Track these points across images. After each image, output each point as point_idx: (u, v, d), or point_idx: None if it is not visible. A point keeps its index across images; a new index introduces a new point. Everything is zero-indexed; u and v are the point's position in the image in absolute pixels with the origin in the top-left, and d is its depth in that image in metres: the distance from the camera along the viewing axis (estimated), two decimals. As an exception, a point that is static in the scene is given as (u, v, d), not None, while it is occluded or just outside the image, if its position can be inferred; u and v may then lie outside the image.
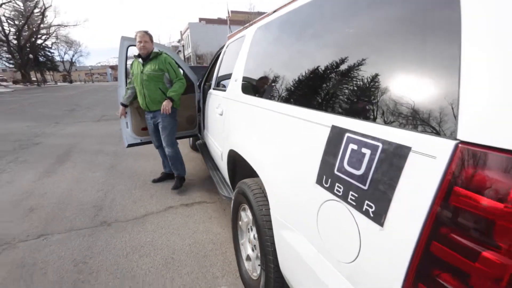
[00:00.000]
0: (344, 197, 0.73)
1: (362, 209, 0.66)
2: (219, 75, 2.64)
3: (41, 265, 1.83)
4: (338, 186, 0.75)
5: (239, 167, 1.91)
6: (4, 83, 34.31)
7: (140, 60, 2.67)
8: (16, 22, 34.05)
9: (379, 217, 0.61)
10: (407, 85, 0.63)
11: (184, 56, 32.78)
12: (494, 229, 0.44)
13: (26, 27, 34.01)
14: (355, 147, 0.71)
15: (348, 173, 0.72)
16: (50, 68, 43.47)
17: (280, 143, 1.10)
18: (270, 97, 1.30)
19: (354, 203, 0.69)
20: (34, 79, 39.62)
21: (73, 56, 52.78)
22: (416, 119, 0.59)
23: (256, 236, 1.47)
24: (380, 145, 0.63)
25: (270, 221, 1.23)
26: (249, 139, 1.45)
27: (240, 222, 1.76)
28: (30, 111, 10.04)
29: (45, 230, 2.24)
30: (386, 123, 0.66)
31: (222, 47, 2.87)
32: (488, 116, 0.46)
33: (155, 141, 3.04)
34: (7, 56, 34.14)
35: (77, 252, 1.97)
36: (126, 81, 2.92)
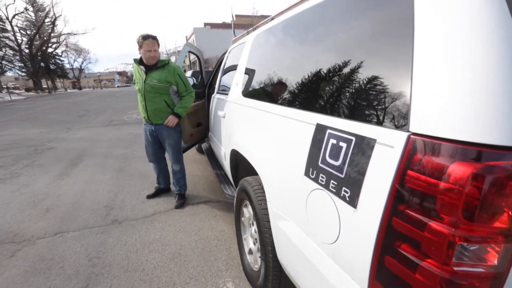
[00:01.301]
0: (326, 186, 0.83)
1: (340, 195, 0.76)
2: (222, 79, 2.77)
3: (58, 260, 1.97)
4: (321, 176, 0.85)
5: (241, 166, 2.02)
6: (17, 91, 35.45)
7: (142, 67, 2.40)
8: (28, 32, 35.24)
9: (353, 201, 0.71)
10: (373, 84, 0.73)
11: (189, 60, 33.24)
12: (436, 203, 0.53)
13: (37, 36, 35.15)
14: (334, 141, 0.81)
15: (329, 164, 0.82)
16: (60, 75, 44.74)
17: (274, 141, 1.21)
18: (266, 99, 1.41)
19: (334, 190, 0.79)
20: (45, 86, 40.84)
21: (82, 63, 54.29)
22: (380, 115, 0.69)
23: (256, 229, 1.57)
24: (353, 138, 0.73)
25: (268, 214, 1.33)
26: (249, 139, 1.56)
27: (242, 218, 1.87)
28: (43, 117, 10.41)
29: (61, 228, 2.39)
30: (358, 119, 0.76)
31: (225, 53, 2.99)
32: (432, 112, 0.55)
33: (151, 155, 2.75)
34: (19, 64, 35.33)
35: (91, 248, 2.10)
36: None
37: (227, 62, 2.73)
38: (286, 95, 1.21)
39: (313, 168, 0.89)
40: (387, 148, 0.63)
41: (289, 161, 1.06)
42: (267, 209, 1.34)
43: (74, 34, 42.96)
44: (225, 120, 2.12)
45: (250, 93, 1.70)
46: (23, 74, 37.91)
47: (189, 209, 2.70)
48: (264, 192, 1.44)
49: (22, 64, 35.02)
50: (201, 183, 3.37)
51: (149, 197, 2.90)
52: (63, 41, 41.99)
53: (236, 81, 2.00)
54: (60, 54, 43.87)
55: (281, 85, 1.27)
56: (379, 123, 0.69)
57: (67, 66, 48.04)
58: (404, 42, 0.64)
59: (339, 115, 0.84)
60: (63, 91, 46.66)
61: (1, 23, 31.13)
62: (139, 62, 2.44)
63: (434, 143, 0.54)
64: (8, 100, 21.98)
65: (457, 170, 0.51)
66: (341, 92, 0.86)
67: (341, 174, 0.76)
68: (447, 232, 0.52)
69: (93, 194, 3.08)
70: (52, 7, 36.18)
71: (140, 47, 2.32)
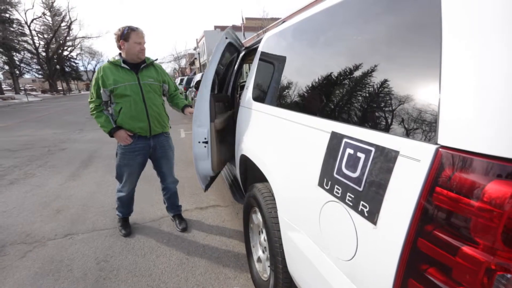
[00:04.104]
0: (342, 198, 0.78)
1: (358, 209, 0.71)
2: (232, 83, 2.74)
3: (67, 262, 1.97)
4: (337, 188, 0.80)
5: (250, 171, 1.98)
6: (34, 93, 36.66)
7: (125, 66, 1.96)
8: (45, 36, 36.47)
9: (372, 216, 0.66)
10: (396, 93, 0.68)
11: (200, 63, 33.58)
12: (471, 225, 0.48)
13: (54, 40, 36.33)
14: (351, 151, 0.76)
15: (346, 176, 0.77)
16: (75, 77, 45.98)
17: (285, 148, 1.16)
18: (277, 104, 1.37)
19: (351, 204, 0.74)
20: (60, 88, 42.10)
21: (95, 65, 55.69)
22: (404, 125, 0.63)
23: (266, 238, 1.53)
24: (373, 149, 0.68)
25: (279, 223, 1.28)
26: (259, 144, 1.52)
27: (251, 225, 1.83)
28: (57, 118, 10.69)
29: (70, 230, 2.41)
30: (378, 129, 0.71)
31: (235, 57, 2.86)
32: (465, 123, 0.50)
33: (135, 181, 2.24)
34: (36, 67, 36.55)
35: (99, 251, 2.10)
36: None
37: (238, 66, 2.70)
38: (298, 100, 1.17)
39: (327, 178, 0.84)
40: (412, 161, 0.58)
41: (301, 169, 1.01)
42: (277, 217, 1.30)
43: (89, 38, 43.96)
44: (237, 125, 2.09)
45: (260, 97, 1.66)
46: (40, 76, 39.21)
47: (197, 213, 2.68)
48: (274, 200, 1.40)
49: (39, 67, 36.24)
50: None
51: (127, 235, 2.29)
52: (78, 44, 43.23)
53: (246, 84, 1.97)
54: (75, 57, 45.17)
55: (293, 90, 1.23)
56: (402, 133, 0.63)
57: (81, 68, 49.37)
58: (431, 42, 0.59)
59: (356, 123, 0.79)
60: (77, 93, 47.99)
61: (20, 28, 32.33)
62: (124, 62, 1.97)
63: (466, 158, 0.49)
64: (25, 102, 22.73)
65: (496, 189, 0.45)
66: (358, 99, 0.81)
67: (359, 187, 0.71)
68: (483, 259, 0.46)
69: (102, 196, 3.10)
70: (68, 11, 37.57)
71: (125, 40, 1.90)
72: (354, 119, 0.80)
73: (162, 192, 2.44)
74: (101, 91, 1.95)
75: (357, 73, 0.82)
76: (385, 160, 0.64)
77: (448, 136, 0.53)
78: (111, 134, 2.01)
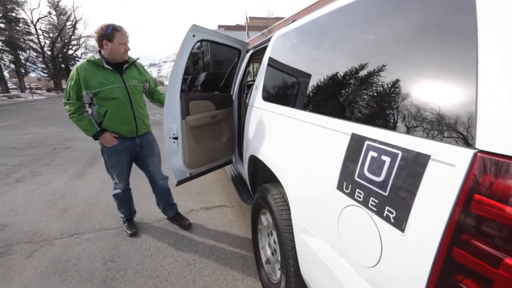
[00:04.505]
0: (364, 203, 0.75)
1: (383, 214, 0.68)
2: (238, 82, 2.71)
3: (74, 262, 1.96)
4: (358, 192, 0.77)
5: (260, 172, 1.96)
6: (39, 91, 36.93)
7: (108, 67, 1.87)
8: (51, 35, 36.72)
9: (400, 223, 0.63)
10: (426, 93, 0.64)
11: (203, 62, 33.57)
12: (515, 236, 0.45)
13: (59, 39, 36.56)
14: (375, 154, 0.73)
15: (369, 180, 0.74)
16: (79, 76, 46.10)
17: (300, 150, 1.13)
18: (290, 104, 1.34)
19: (374, 209, 0.71)
20: (65, 87, 42.30)
21: (100, 65, 55.79)
22: (436, 128, 0.60)
23: (276, 240, 1.50)
24: (400, 153, 0.65)
25: (291, 225, 1.25)
26: (270, 145, 1.49)
27: (260, 226, 1.80)
28: (62, 117, 10.73)
29: (77, 229, 2.40)
30: (405, 131, 0.67)
31: (240, 55, 2.79)
32: (507, 125, 0.47)
33: (126, 179, 2.24)
34: (42, 66, 36.81)
35: (106, 251, 2.09)
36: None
37: (245, 65, 2.67)
38: (314, 101, 1.14)
39: (347, 182, 0.81)
40: (446, 166, 0.55)
41: (318, 172, 0.98)
42: (290, 220, 1.27)
43: (93, 37, 44.17)
44: (245, 125, 2.06)
45: (272, 97, 1.63)
46: (45, 75, 39.49)
47: (203, 213, 2.66)
48: (286, 201, 1.37)
49: (44, 66, 36.49)
50: (216, 186, 3.33)
51: (133, 235, 2.28)
52: (83, 43, 43.39)
53: (256, 84, 1.95)
54: (80, 56, 45.32)
55: (309, 90, 1.20)
56: (433, 136, 0.60)
57: (86, 67, 49.53)
58: (466, 39, 0.56)
59: (380, 126, 0.76)
60: (81, 91, 48.18)
61: (26, 27, 32.58)
62: (105, 62, 1.88)
63: (509, 164, 0.46)
64: (31, 100, 22.91)
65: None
66: (382, 100, 0.77)
67: (383, 192, 0.68)
68: (530, 272, 0.43)
69: (108, 195, 3.09)
70: (74, 11, 37.75)
71: (109, 40, 1.81)
72: (377, 121, 0.77)
73: (154, 193, 2.42)
74: (83, 93, 1.85)
75: (381, 73, 0.79)
76: (414, 164, 0.61)
77: (487, 140, 0.50)
78: (96, 137, 1.95)
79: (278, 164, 1.34)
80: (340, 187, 0.85)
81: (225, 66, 2.94)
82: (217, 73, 4.40)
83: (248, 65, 2.71)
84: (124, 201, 2.34)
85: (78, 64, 1.87)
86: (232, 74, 2.79)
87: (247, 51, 2.71)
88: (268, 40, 2.10)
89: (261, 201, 1.63)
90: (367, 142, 0.76)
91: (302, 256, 1.12)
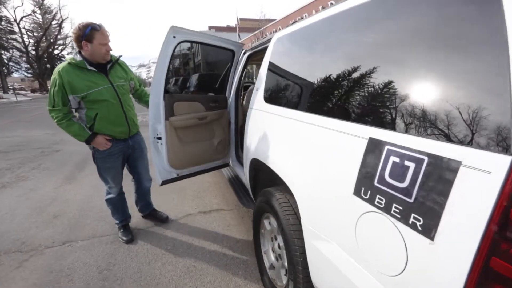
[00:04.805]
0: (386, 209, 0.72)
1: (408, 222, 0.66)
2: (235, 84, 2.67)
3: (67, 272, 1.87)
4: (379, 198, 0.75)
5: (261, 176, 1.92)
6: (23, 92, 35.71)
7: (92, 68, 1.79)
8: (35, 34, 35.65)
9: (428, 231, 0.61)
10: (455, 98, 0.63)
11: (194, 63, 33.31)
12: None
13: (44, 38, 35.52)
14: (396, 159, 0.71)
15: (390, 185, 0.71)
16: (66, 77, 44.87)
17: (311, 154, 1.10)
18: (298, 107, 1.31)
19: (398, 216, 0.69)
20: (51, 88, 41.08)
21: (87, 65, 54.45)
22: (466, 133, 0.58)
23: (282, 245, 1.47)
24: (426, 158, 0.63)
25: (299, 230, 1.22)
26: (275, 149, 1.46)
27: (262, 231, 1.76)
28: (49, 118, 10.35)
29: (69, 237, 2.30)
30: (431, 136, 0.65)
31: (234, 56, 2.65)
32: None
33: (120, 181, 2.19)
34: (26, 66, 35.66)
35: (101, 259, 2.00)
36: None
37: (241, 66, 2.64)
38: (325, 103, 1.11)
39: (366, 187, 0.79)
40: (480, 173, 0.53)
41: (331, 177, 0.96)
42: (297, 225, 1.24)
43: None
44: (245, 128, 2.02)
45: (276, 99, 1.60)
46: (29, 75, 38.28)
47: (201, 217, 2.60)
48: (291, 206, 1.34)
49: (29, 66, 35.34)
50: (211, 189, 3.28)
51: (129, 242, 2.20)
52: (69, 43, 42.20)
53: (256, 86, 1.91)
54: (66, 56, 44.23)
55: (320, 92, 1.17)
56: (464, 141, 0.58)
57: (73, 67, 48.24)
58: (498, 36, 0.54)
59: (400, 129, 0.74)
60: (68, 92, 46.88)
61: (9, 25, 31.50)
62: (89, 63, 1.79)
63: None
64: (14, 101, 22.14)
65: None
66: (403, 103, 0.75)
67: (408, 198, 0.66)
68: None
69: (100, 199, 2.97)
70: (59, 9, 36.62)
71: (88, 41, 1.71)
72: (397, 124, 0.75)
73: (135, 193, 2.44)
74: (70, 97, 1.76)
75: (403, 76, 0.77)
76: (443, 171, 0.59)
77: (526, 145, 0.48)
78: (88, 142, 1.88)
79: (285, 169, 1.30)
80: (357, 193, 0.82)
81: (218, 68, 2.93)
82: (211, 74, 4.39)
83: (245, 67, 2.68)
84: (119, 206, 2.27)
85: (58, 67, 1.76)
86: (226, 75, 2.75)
87: (244, 52, 2.67)
88: (267, 41, 2.07)
89: (264, 205, 1.60)
90: (387, 147, 0.74)
91: (313, 262, 1.09)
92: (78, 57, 1.79)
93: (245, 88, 3.61)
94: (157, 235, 2.30)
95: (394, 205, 0.70)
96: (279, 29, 17.21)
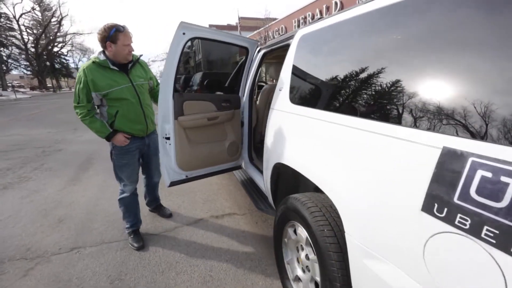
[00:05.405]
0: (474, 232, 0.62)
1: (508, 250, 0.55)
2: (249, 83, 2.56)
3: (76, 282, 1.76)
4: (462, 218, 0.64)
5: (283, 181, 1.81)
6: (22, 90, 35.48)
7: (115, 68, 1.85)
8: (35, 31, 35.41)
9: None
10: None
11: (195, 62, 33.15)
12: None
13: (43, 35, 35.28)
14: (487, 174, 0.60)
15: (479, 204, 0.61)
16: (65, 74, 44.75)
17: (362, 162, 0.99)
18: (340, 110, 1.20)
19: (493, 241, 0.58)
20: (50, 85, 40.94)
21: (87, 63, 54.05)
22: None
23: (312, 257, 1.37)
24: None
25: (336, 243, 1.12)
26: (310, 154, 1.35)
27: (285, 239, 1.66)
28: (49, 117, 10.27)
29: (76, 242, 2.18)
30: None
31: (248, 54, 2.52)
32: None
33: (136, 179, 2.18)
34: (25, 63, 35.42)
35: (111, 267, 1.89)
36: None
37: (256, 66, 2.52)
38: (378, 107, 1.00)
39: (441, 204, 0.68)
40: None
41: (390, 189, 0.85)
42: (333, 237, 1.14)
43: (80, 34, 42.76)
44: (266, 131, 1.91)
45: (305, 100, 1.49)
46: (28, 72, 38.02)
47: (213, 222, 2.49)
48: (325, 215, 1.24)
49: (28, 63, 35.08)
50: (222, 192, 3.17)
51: (140, 248, 2.09)
52: (69, 40, 42.02)
53: (278, 86, 1.80)
54: (66, 53, 43.90)
55: (371, 93, 1.06)
56: None
57: (72, 65, 47.91)
58: None
59: (492, 138, 0.63)
60: (67, 90, 46.74)
61: (8, 22, 31.25)
62: (112, 63, 1.85)
63: None
64: (13, 99, 21.94)
65: None
66: (493, 105, 0.65)
67: (510, 222, 0.55)
68: None
69: (107, 202, 2.88)
70: (59, 6, 36.30)
71: (112, 42, 1.78)
72: (488, 133, 0.64)
73: (146, 188, 2.50)
74: (93, 95, 1.83)
75: (488, 70, 0.66)
76: None
77: None
78: (109, 138, 1.95)
79: (324, 177, 1.19)
80: (428, 209, 0.72)
81: (220, 65, 2.87)
82: (216, 73, 4.30)
83: (260, 65, 2.56)
84: (132, 207, 2.20)
85: (84, 65, 1.85)
86: (239, 74, 2.64)
87: (259, 50, 2.56)
88: (288, 39, 1.97)
89: (290, 213, 1.49)
90: (471, 159, 0.64)
91: (360, 282, 0.99)
92: (102, 57, 1.85)
93: (258, 87, 3.50)
94: (170, 241, 2.19)
95: (486, 227, 0.59)
96: (282, 27, 17.02)
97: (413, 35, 0.91)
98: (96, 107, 1.93)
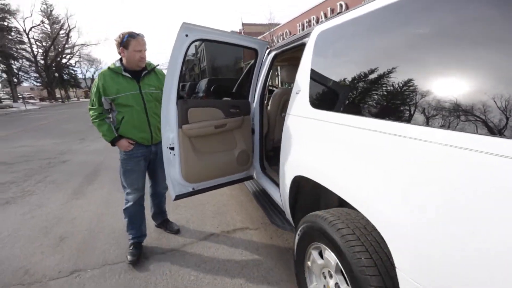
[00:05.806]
0: None
1: None
2: (260, 88, 2.38)
3: (75, 312, 1.58)
4: None
5: (303, 194, 1.62)
6: (32, 101, 36.16)
7: (126, 74, 1.89)
8: (44, 44, 36.31)
9: None
10: None
11: (200, 68, 33.34)
12: None
13: (52, 47, 36.11)
14: None
15: None
16: (73, 85, 45.64)
17: (407, 177, 0.79)
18: (377, 115, 1.00)
19: None
20: (59, 96, 41.76)
21: (94, 73, 54.94)
22: None
23: (341, 287, 1.16)
24: None
25: (378, 275, 0.92)
26: (339, 167, 1.15)
27: (308, 263, 1.45)
28: (57, 127, 10.31)
29: (77, 264, 2.01)
30: None
31: (257, 56, 2.34)
32: None
33: (141, 188, 2.08)
34: (35, 75, 36.26)
35: (114, 294, 1.71)
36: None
37: (268, 67, 2.35)
38: (422, 107, 0.80)
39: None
40: None
41: (464, 217, 0.64)
42: (374, 267, 0.94)
43: (87, 45, 43.60)
44: (282, 138, 1.72)
45: (330, 103, 1.30)
46: (38, 84, 38.88)
47: (224, 238, 2.30)
48: (360, 240, 1.04)
49: (37, 75, 35.89)
50: (232, 203, 2.98)
51: (133, 263, 1.98)
52: (77, 51, 42.88)
53: (295, 89, 1.62)
54: (74, 64, 44.83)
55: (408, 92, 0.86)
56: None
57: (80, 76, 48.93)
58: None
59: None
60: (75, 100, 47.58)
61: (19, 36, 32.10)
62: (124, 69, 1.90)
63: None
64: (23, 110, 22.34)
65: None
66: None
67: None
68: None
69: (111, 218, 2.71)
70: (67, 19, 37.14)
71: (125, 47, 1.83)
72: None
73: (151, 198, 2.37)
74: (103, 99, 1.90)
75: None
76: None
77: None
78: (113, 143, 1.98)
79: (356, 193, 1.00)
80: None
81: (225, 72, 2.69)
82: (222, 78, 4.19)
83: (270, 68, 2.39)
84: (136, 218, 2.11)
85: (101, 71, 1.94)
86: (248, 78, 2.47)
87: (269, 52, 2.39)
88: (302, 37, 1.79)
89: (314, 233, 1.29)
90: None
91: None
92: (117, 63, 1.92)
93: (269, 91, 3.32)
94: (178, 261, 2.00)
95: None
96: (287, 31, 16.97)
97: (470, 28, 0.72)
98: (108, 111, 1.96)
